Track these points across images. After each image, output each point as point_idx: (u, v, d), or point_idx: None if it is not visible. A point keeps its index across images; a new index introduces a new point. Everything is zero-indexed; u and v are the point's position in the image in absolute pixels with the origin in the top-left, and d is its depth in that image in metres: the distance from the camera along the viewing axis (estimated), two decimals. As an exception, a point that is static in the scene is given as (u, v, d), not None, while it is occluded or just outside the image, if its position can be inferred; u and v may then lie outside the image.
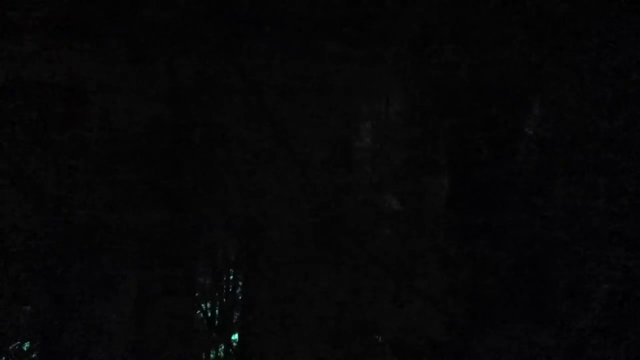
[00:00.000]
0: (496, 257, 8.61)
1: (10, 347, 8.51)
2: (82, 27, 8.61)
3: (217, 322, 9.04)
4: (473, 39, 8.50)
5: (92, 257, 8.82)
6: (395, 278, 8.73)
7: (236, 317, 9.06)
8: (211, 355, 8.99)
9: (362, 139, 9.22)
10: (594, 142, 8.49)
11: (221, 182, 8.84)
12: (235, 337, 9.02)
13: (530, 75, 8.59)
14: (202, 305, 9.06)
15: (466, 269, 8.65)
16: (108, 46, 8.53)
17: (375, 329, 8.56)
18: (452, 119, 8.88)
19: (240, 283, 9.08)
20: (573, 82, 8.49)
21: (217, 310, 9.05)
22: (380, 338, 8.57)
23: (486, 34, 8.46)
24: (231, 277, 9.14)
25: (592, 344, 8.22)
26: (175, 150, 8.75)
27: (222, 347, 9.08)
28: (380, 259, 8.81)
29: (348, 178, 9.11)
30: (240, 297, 9.08)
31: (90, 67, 8.54)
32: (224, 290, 9.13)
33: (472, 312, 8.50)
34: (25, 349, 8.60)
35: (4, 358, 8.53)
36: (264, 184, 8.72)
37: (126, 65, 8.51)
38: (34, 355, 8.62)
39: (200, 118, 8.85)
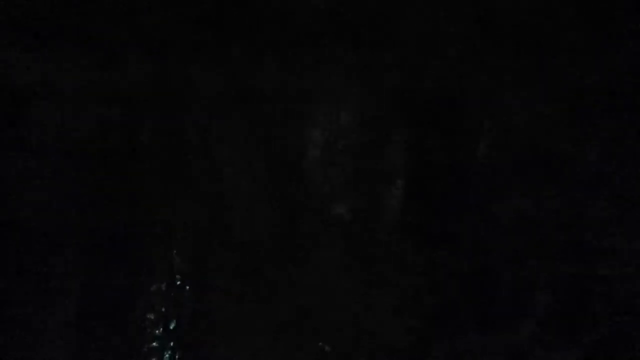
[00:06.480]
0: (453, 266, 8.70)
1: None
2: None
3: (166, 332, 8.87)
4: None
5: (34, 263, 8.58)
6: (351, 290, 8.75)
7: (187, 327, 8.90)
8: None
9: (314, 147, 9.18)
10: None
11: (179, 188, 8.80)
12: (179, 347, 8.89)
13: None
14: (152, 315, 8.88)
15: (422, 281, 8.71)
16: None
17: (331, 336, 8.53)
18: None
19: (191, 293, 8.94)
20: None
21: (168, 321, 8.88)
22: (334, 346, 8.52)
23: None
24: (184, 286, 8.98)
25: (538, 349, 8.40)
26: (131, 154, 8.67)
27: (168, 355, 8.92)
28: (333, 274, 8.80)
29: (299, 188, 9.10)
30: (191, 308, 8.93)
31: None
32: (176, 300, 8.97)
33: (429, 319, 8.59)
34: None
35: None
36: (222, 189, 8.73)
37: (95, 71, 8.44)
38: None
39: (156, 121, 8.81)
